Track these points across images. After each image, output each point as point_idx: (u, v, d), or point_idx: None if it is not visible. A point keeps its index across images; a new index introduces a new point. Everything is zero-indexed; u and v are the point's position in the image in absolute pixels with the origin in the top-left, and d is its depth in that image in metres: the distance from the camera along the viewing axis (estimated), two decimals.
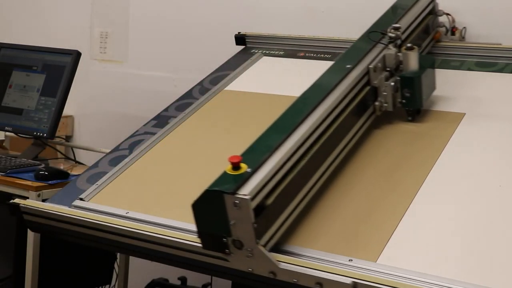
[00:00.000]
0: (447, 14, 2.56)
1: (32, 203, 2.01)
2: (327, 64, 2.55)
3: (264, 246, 1.57)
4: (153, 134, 2.28)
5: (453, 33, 2.57)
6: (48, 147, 2.92)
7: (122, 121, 3.42)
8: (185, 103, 2.44)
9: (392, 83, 2.05)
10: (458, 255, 1.56)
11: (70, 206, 1.98)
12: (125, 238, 1.83)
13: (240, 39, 2.82)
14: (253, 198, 1.54)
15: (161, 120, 2.36)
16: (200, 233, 1.63)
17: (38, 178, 2.47)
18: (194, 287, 2.97)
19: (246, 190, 1.54)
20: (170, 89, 3.21)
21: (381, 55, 2.08)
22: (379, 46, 2.11)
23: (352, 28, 2.76)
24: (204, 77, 2.60)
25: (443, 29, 2.58)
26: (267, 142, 1.71)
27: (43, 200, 2.13)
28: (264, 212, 1.58)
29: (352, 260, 1.57)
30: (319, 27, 2.88)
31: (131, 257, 2.89)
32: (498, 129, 2.01)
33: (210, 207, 1.57)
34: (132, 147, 2.23)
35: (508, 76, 2.28)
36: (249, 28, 2.88)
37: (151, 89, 3.37)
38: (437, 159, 1.89)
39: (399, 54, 2.09)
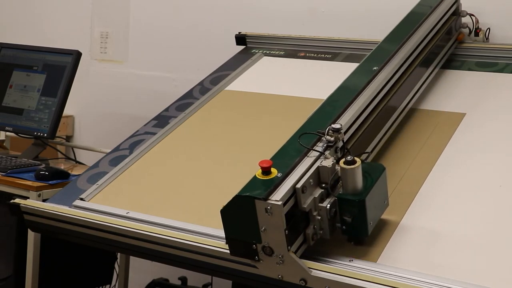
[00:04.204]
0: (471, 14, 2.51)
1: (33, 203, 2.01)
2: (327, 64, 2.58)
3: (295, 252, 1.54)
4: (154, 134, 2.28)
5: (476, 34, 2.50)
6: (49, 147, 2.92)
7: (122, 121, 3.42)
8: (185, 103, 2.44)
9: (328, 206, 1.56)
10: (458, 255, 1.56)
11: (70, 206, 1.98)
12: (125, 238, 1.83)
13: (240, 39, 2.82)
14: (284, 204, 1.50)
15: (162, 120, 2.36)
16: (229, 239, 1.59)
17: (38, 178, 2.47)
18: (194, 287, 2.97)
19: (277, 196, 1.49)
20: (170, 89, 3.21)
21: (315, 167, 1.59)
22: (313, 155, 1.62)
23: (352, 28, 2.77)
24: (204, 77, 2.60)
25: (466, 30, 2.53)
26: (296, 146, 1.65)
27: (44, 200, 2.13)
28: (294, 218, 1.54)
29: (352, 260, 1.57)
30: (319, 27, 2.88)
31: (131, 257, 2.89)
32: (498, 129, 2.01)
33: (240, 213, 1.53)
34: (132, 147, 2.23)
35: (508, 76, 2.28)
36: (250, 28, 2.88)
37: (151, 89, 3.37)
38: (437, 160, 1.90)
39: (337, 167, 1.59)
